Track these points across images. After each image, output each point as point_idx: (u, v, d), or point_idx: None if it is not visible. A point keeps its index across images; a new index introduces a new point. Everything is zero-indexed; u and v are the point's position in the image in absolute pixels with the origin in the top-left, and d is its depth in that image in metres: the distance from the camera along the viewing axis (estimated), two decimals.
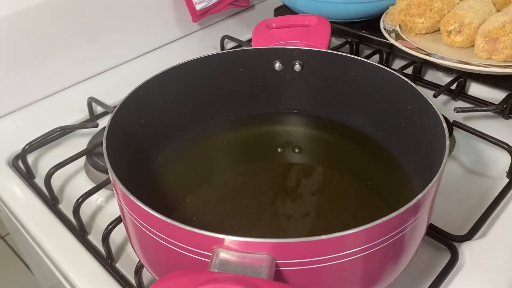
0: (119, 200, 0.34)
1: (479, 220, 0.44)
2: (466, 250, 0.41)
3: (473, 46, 0.56)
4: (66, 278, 0.44)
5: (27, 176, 0.53)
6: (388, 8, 0.66)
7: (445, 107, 0.61)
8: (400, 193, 0.43)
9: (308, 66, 0.49)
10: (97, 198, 0.50)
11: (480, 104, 0.60)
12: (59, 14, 0.60)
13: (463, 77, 0.61)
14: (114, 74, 0.68)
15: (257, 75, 0.50)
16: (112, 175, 0.33)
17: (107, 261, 0.43)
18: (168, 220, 0.29)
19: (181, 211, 0.42)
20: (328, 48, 0.51)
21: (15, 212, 0.49)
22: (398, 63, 0.69)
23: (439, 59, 0.55)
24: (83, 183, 0.53)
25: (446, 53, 0.57)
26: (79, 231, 0.46)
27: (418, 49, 0.57)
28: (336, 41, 0.74)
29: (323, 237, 0.27)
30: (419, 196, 0.30)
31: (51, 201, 0.50)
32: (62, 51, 0.63)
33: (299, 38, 0.51)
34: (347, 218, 0.41)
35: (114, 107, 0.41)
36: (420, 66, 0.65)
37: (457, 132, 0.54)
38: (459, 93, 0.61)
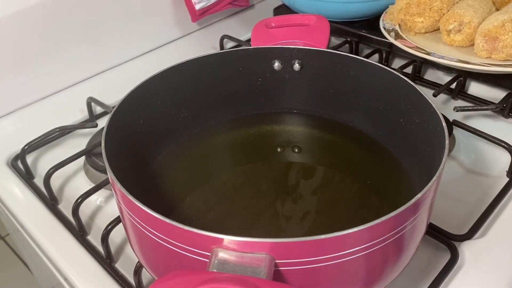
0: (118, 200, 0.34)
1: (479, 220, 0.44)
2: (466, 249, 0.41)
3: (472, 45, 0.56)
4: (65, 278, 0.44)
5: (27, 176, 0.53)
6: (387, 7, 0.66)
7: (444, 106, 0.61)
8: (400, 192, 0.43)
9: (307, 65, 0.49)
10: (97, 198, 0.50)
11: (480, 103, 0.60)
12: (58, 15, 0.60)
13: (462, 76, 0.61)
14: (113, 74, 0.68)
15: (256, 74, 0.50)
16: (110, 175, 0.33)
17: (107, 261, 0.43)
18: (167, 220, 0.28)
19: (180, 211, 0.42)
20: (328, 48, 0.51)
21: (15, 212, 0.49)
22: (397, 63, 0.68)
23: (439, 58, 0.54)
24: (82, 183, 0.53)
25: (445, 52, 0.56)
26: (79, 231, 0.46)
27: (417, 48, 0.57)
28: (335, 41, 0.74)
29: (322, 236, 0.27)
30: (419, 195, 0.30)
31: (51, 201, 0.50)
32: (61, 51, 0.63)
33: (298, 38, 0.51)
34: (347, 218, 0.41)
35: (113, 107, 0.41)
36: (419, 65, 0.65)
37: (457, 131, 0.54)
38: (459, 92, 0.61)
